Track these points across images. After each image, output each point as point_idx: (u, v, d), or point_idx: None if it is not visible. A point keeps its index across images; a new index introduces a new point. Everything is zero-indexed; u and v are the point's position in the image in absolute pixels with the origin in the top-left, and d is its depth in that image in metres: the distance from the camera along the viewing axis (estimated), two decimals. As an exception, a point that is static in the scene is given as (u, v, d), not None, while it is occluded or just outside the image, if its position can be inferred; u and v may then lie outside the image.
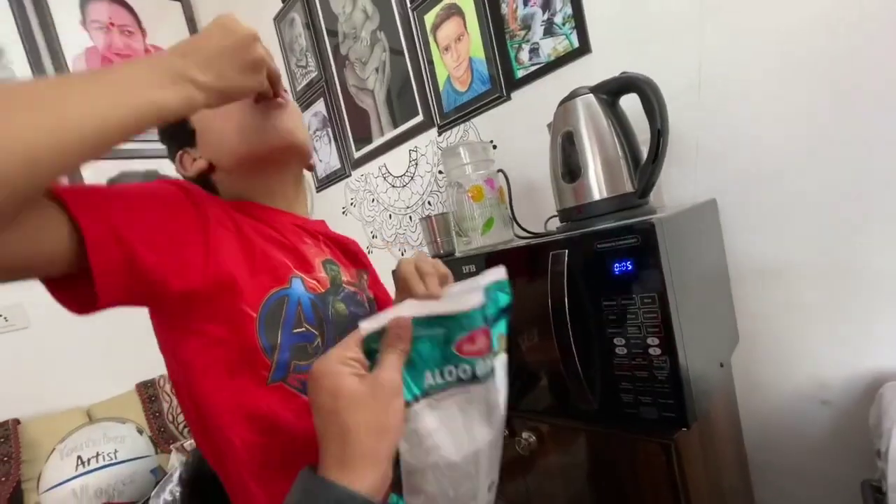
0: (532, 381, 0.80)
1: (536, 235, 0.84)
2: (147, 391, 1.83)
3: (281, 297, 0.47)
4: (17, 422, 1.51)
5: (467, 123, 1.28)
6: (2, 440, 1.46)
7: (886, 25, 0.69)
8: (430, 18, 1.27)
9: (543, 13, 1.04)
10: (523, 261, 0.74)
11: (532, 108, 1.12)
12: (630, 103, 0.74)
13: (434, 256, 1.01)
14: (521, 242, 0.79)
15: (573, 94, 0.74)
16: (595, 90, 0.73)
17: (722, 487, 0.78)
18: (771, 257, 0.85)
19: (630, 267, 0.61)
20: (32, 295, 1.53)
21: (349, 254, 0.63)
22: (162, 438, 1.69)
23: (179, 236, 0.41)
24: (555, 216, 0.86)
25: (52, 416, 1.59)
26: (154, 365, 1.64)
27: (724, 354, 0.82)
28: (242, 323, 0.44)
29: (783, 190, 0.82)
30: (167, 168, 1.76)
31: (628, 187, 0.73)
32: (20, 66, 1.47)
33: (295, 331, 0.47)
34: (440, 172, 1.39)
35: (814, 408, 0.86)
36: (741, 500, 0.89)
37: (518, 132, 1.16)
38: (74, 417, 1.61)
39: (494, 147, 1.22)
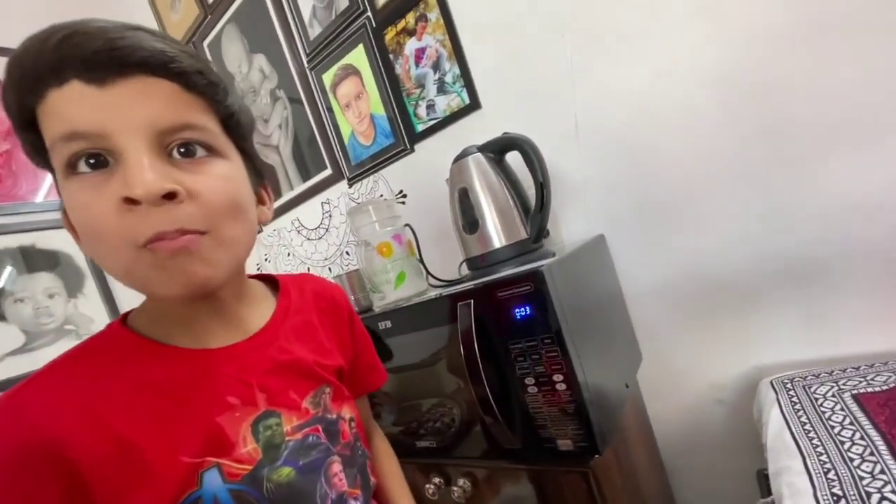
0: (464, 428, 0.81)
1: (449, 284, 0.88)
2: None
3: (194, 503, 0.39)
4: None
5: (377, 175, 1.31)
6: None
7: (721, 85, 0.82)
8: (328, 77, 1.30)
9: (434, 73, 1.12)
10: (436, 311, 0.77)
11: (435, 158, 1.18)
12: (516, 157, 0.81)
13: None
14: (433, 293, 0.82)
15: (464, 153, 0.81)
16: (482, 149, 0.80)
17: (642, 497, 0.84)
18: (657, 280, 0.96)
19: (528, 311, 0.66)
20: None
21: (302, 370, 0.48)
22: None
23: None
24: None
25: None
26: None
27: (629, 375, 0.90)
28: None
29: (658, 221, 0.93)
30: (50, 242, 1.59)
31: (523, 234, 0.79)
32: None
33: None
34: (354, 224, 1.40)
35: (712, 408, 0.97)
36: (662, 505, 0.96)
37: (425, 181, 1.21)
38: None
39: (405, 196, 1.26)
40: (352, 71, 1.25)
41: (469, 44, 1.06)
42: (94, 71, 0.32)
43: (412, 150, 1.22)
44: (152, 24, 1.76)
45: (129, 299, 1.76)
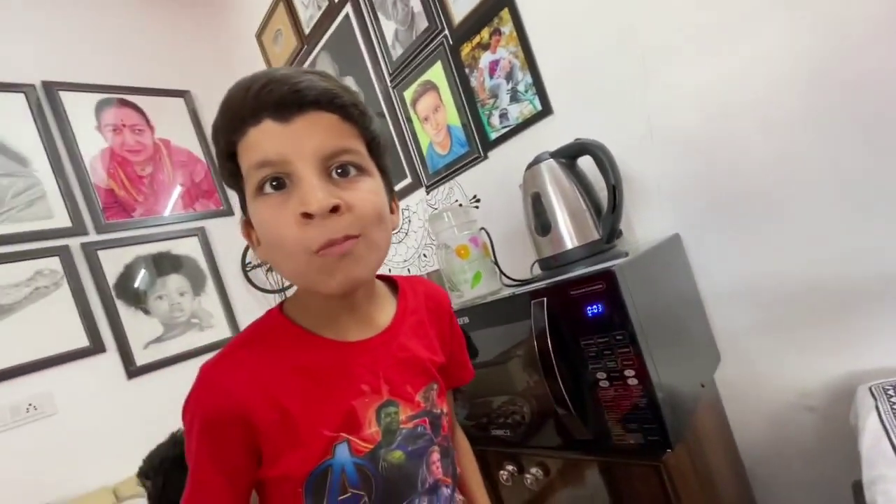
0: (538, 420, 0.86)
1: (521, 283, 0.93)
2: (170, 465, 1.87)
3: (325, 469, 0.46)
4: (46, 508, 1.55)
5: (452, 181, 1.40)
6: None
7: (807, 79, 0.80)
8: (409, 94, 1.41)
9: (507, 83, 1.18)
10: (510, 308, 0.83)
11: (508, 164, 1.24)
12: (589, 159, 0.84)
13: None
14: (507, 292, 0.88)
15: (537, 160, 0.86)
16: (555, 155, 0.84)
17: (719, 499, 0.83)
18: (738, 280, 0.93)
19: (600, 309, 0.69)
20: (61, 382, 1.59)
21: (418, 366, 0.54)
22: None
23: (237, 468, 0.46)
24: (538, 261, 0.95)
25: (80, 499, 1.63)
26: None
27: (705, 375, 0.89)
28: (293, 499, 0.46)
29: (738, 221, 0.91)
30: (180, 248, 1.88)
31: (595, 235, 0.83)
32: (44, 174, 1.62)
33: (340, 498, 0.46)
34: (432, 228, 1.50)
35: (801, 415, 0.92)
36: (746, 513, 0.93)
37: (498, 186, 1.28)
38: (102, 498, 1.64)
39: (478, 201, 1.33)
40: (430, 86, 1.35)
41: (541, 52, 1.11)
42: (282, 111, 0.40)
43: (486, 157, 1.29)
44: (259, 55, 2.01)
45: (241, 298, 2.02)
